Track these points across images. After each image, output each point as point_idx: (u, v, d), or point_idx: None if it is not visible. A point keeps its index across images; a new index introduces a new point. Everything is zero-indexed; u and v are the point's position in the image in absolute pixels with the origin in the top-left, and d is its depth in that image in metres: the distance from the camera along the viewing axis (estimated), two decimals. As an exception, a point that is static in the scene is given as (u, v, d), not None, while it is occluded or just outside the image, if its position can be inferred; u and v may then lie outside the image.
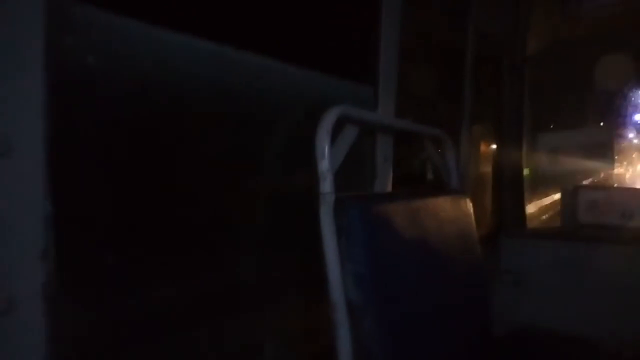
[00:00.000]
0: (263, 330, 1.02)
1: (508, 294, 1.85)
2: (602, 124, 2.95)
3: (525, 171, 2.16)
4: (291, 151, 1.07)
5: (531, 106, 2.19)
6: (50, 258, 0.59)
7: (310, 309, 1.08)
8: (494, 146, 2.11)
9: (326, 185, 0.89)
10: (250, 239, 1.00)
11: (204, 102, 0.87)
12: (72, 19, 0.64)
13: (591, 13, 2.00)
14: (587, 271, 1.78)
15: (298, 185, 1.08)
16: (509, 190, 2.08)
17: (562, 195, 2.16)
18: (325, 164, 0.89)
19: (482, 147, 2.07)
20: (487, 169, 2.11)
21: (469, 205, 1.43)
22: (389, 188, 1.33)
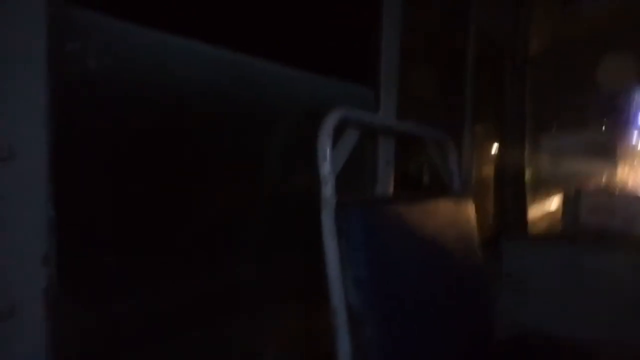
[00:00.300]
0: (263, 334, 1.02)
1: (510, 297, 1.84)
2: (604, 125, 2.94)
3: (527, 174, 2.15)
4: (292, 154, 1.07)
5: (533, 108, 2.18)
6: (51, 263, 0.59)
7: (311, 313, 1.08)
8: (496, 148, 2.11)
9: (327, 189, 0.89)
10: (251, 242, 1.00)
11: (206, 106, 0.87)
12: (74, 24, 0.65)
13: (592, 13, 1.99)
14: (589, 275, 1.77)
15: (299, 188, 1.08)
16: (511, 193, 2.07)
17: (564, 199, 2.15)
18: (326, 168, 0.89)
19: (484, 150, 2.07)
20: (489, 171, 2.10)
21: (471, 209, 1.43)
22: (391, 191, 1.33)
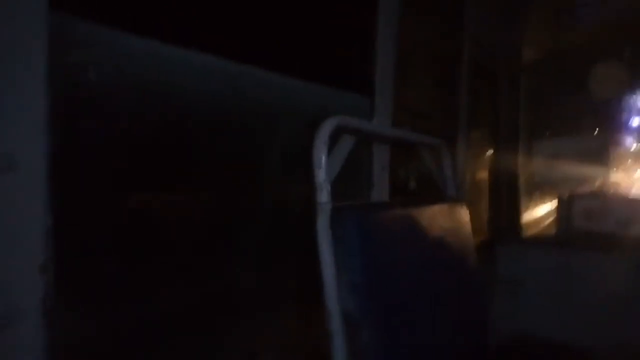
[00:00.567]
0: (259, 339, 1.02)
1: (504, 302, 1.85)
2: (597, 131, 2.98)
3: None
4: (289, 161, 1.08)
5: (527, 114, 2.21)
6: (49, 272, 0.59)
7: (306, 318, 1.09)
8: (491, 154, 2.13)
9: (323, 195, 0.90)
10: (248, 248, 1.00)
11: (204, 114, 0.88)
12: (74, 35, 0.66)
13: (584, 24, 2.03)
14: (583, 279, 1.78)
15: (295, 194, 1.08)
16: (505, 198, 2.09)
17: (558, 203, 2.17)
18: (322, 174, 0.90)
19: (479, 155, 2.09)
20: (484, 176, 2.12)
21: (466, 214, 1.44)
22: (386, 197, 1.34)
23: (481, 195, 2.07)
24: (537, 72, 2.31)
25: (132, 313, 0.76)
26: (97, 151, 0.70)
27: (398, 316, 0.98)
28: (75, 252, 0.66)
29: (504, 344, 1.45)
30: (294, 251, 1.07)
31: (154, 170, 0.79)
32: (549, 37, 2.25)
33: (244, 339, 0.99)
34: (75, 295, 0.66)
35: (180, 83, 0.82)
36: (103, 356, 0.71)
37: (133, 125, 0.75)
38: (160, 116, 0.80)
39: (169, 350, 0.82)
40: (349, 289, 0.88)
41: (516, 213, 2.13)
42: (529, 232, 2.30)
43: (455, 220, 1.37)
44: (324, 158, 0.91)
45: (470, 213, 1.46)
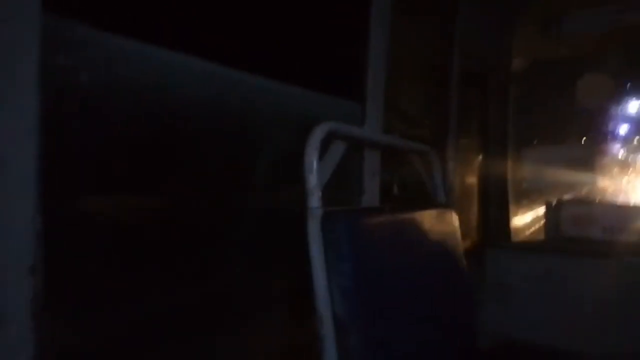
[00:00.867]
0: (249, 343, 1.02)
1: (493, 306, 1.87)
2: (584, 139, 3.03)
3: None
4: (280, 167, 1.08)
5: (516, 122, 2.25)
6: (38, 274, 0.59)
7: (297, 323, 1.09)
8: (480, 161, 2.15)
9: (314, 200, 0.91)
10: (238, 252, 1.01)
11: (195, 119, 0.89)
12: (66, 38, 0.66)
13: (571, 36, 2.08)
14: (571, 284, 1.81)
15: (287, 199, 1.09)
16: (494, 204, 2.11)
17: (546, 209, 2.20)
18: (313, 179, 0.91)
19: (468, 162, 2.11)
20: (473, 182, 2.15)
21: (455, 220, 1.46)
22: (376, 202, 1.35)
23: (470, 201, 2.09)
24: (526, 81, 2.35)
25: (121, 315, 0.76)
26: (88, 153, 0.70)
27: (387, 321, 0.99)
28: (65, 253, 0.66)
29: (492, 349, 1.46)
30: (284, 256, 1.08)
31: (144, 173, 0.80)
32: (537, 48, 2.30)
33: (232, 343, 0.99)
34: (66, 297, 0.66)
35: (171, 87, 0.83)
36: (92, 358, 0.71)
37: (124, 128, 0.75)
38: (151, 120, 0.80)
39: (160, 351, 0.82)
40: (339, 294, 0.89)
41: (505, 219, 2.15)
42: (517, 238, 2.32)
43: (444, 225, 1.39)
44: (315, 163, 0.92)
45: (459, 218, 1.47)
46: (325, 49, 1.21)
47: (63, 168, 0.66)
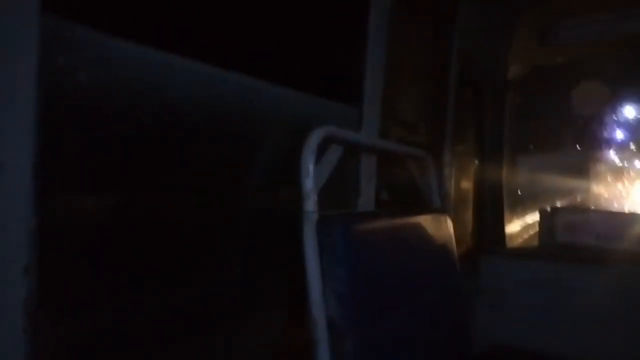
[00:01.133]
0: (243, 347, 1.02)
1: (486, 312, 1.87)
2: (579, 146, 3.06)
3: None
4: (277, 170, 1.08)
5: (512, 128, 2.26)
6: (33, 273, 0.59)
7: (291, 326, 1.09)
8: (475, 167, 2.16)
9: (310, 204, 0.91)
10: (234, 255, 1.01)
11: (193, 121, 0.89)
12: (65, 38, 0.66)
13: (567, 43, 2.10)
14: (565, 290, 1.81)
15: (283, 203, 1.09)
16: (490, 209, 2.12)
17: (540, 216, 2.21)
18: (309, 183, 0.92)
19: (464, 167, 2.12)
20: (469, 188, 2.16)
21: (450, 225, 1.46)
22: (372, 207, 1.35)
23: (466, 206, 2.10)
24: (522, 88, 2.37)
25: (114, 315, 0.75)
26: (84, 154, 0.70)
27: (381, 325, 0.99)
28: (59, 253, 0.66)
29: (485, 354, 1.47)
30: (279, 259, 1.08)
31: (140, 174, 0.80)
32: (534, 55, 2.32)
33: (225, 346, 0.98)
34: (60, 297, 0.66)
35: (167, 88, 0.83)
36: (86, 357, 0.71)
37: (120, 129, 0.75)
38: (148, 121, 0.80)
39: (154, 353, 0.82)
40: (334, 298, 0.89)
41: (500, 225, 2.16)
42: (512, 244, 2.33)
43: (439, 230, 1.39)
44: (311, 167, 0.92)
45: (454, 224, 1.48)
46: (323, 52, 1.21)
47: (58, 168, 0.66)
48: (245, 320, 1.03)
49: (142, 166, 0.80)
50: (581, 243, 2.06)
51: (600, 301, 1.71)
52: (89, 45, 0.70)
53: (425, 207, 1.47)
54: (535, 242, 2.29)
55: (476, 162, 2.13)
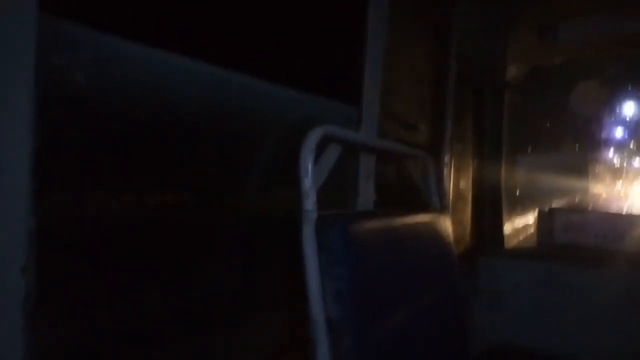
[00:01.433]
0: (242, 346, 1.02)
1: (485, 313, 1.87)
2: (578, 147, 3.07)
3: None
4: (276, 169, 1.08)
5: (511, 129, 2.26)
6: (30, 274, 0.59)
7: (290, 326, 1.09)
8: (474, 167, 2.16)
9: (309, 203, 0.91)
10: (232, 255, 1.01)
11: (191, 121, 0.89)
12: (62, 37, 0.66)
13: (566, 43, 2.10)
14: (563, 291, 1.82)
15: (281, 202, 1.09)
16: (488, 210, 2.12)
17: (539, 217, 2.22)
18: (308, 182, 0.92)
19: (463, 168, 2.12)
20: (467, 188, 2.16)
21: (449, 225, 1.46)
22: (371, 206, 1.35)
23: (464, 206, 2.10)
24: (521, 88, 2.37)
25: (112, 315, 0.75)
26: (82, 154, 0.70)
27: (380, 324, 0.99)
28: (57, 254, 0.66)
29: (483, 354, 1.47)
30: (278, 258, 1.08)
31: (137, 174, 0.80)
32: (533, 55, 2.32)
33: (224, 345, 0.98)
34: (56, 297, 0.66)
35: (166, 88, 0.83)
36: (83, 357, 0.70)
37: (118, 128, 0.75)
38: (147, 120, 0.80)
39: (152, 352, 0.82)
40: (333, 297, 0.89)
41: (498, 225, 2.16)
42: (510, 244, 2.34)
43: (438, 230, 1.39)
44: (310, 166, 0.92)
45: (453, 224, 1.48)
46: (322, 52, 1.21)
47: (56, 169, 0.66)
48: (244, 320, 1.02)
49: (141, 166, 0.80)
50: (579, 243, 2.06)
51: (598, 301, 1.71)
52: (87, 45, 0.69)
53: (423, 207, 1.47)
54: (534, 243, 2.30)
55: (475, 162, 2.13)
